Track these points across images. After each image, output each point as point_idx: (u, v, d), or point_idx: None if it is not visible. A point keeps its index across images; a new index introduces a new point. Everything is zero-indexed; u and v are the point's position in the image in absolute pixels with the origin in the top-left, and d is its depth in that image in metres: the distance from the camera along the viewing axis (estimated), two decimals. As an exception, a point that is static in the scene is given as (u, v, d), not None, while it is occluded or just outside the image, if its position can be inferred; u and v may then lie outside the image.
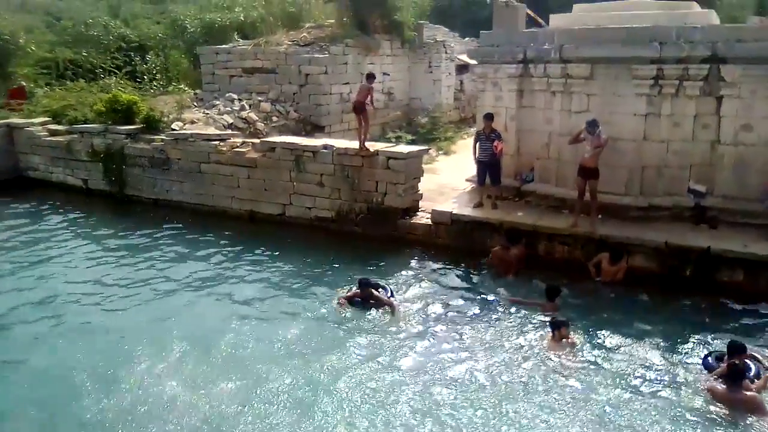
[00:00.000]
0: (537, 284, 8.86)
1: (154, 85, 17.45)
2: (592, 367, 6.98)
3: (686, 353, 7.24)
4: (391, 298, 8.45)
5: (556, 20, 11.60)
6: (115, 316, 8.52)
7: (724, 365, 6.48)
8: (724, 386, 6.25)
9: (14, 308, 8.69)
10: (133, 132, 13.83)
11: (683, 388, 6.55)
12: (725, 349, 6.77)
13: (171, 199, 13.41)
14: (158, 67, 18.93)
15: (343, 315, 8.25)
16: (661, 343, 7.42)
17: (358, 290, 8.45)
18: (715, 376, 6.51)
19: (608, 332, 7.68)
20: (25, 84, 17.95)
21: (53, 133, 15.07)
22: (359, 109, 11.29)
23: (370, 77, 11.55)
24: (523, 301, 8.47)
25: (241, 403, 6.37)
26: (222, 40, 18.15)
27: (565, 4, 13.00)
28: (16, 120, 15.77)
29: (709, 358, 6.84)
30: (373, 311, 8.25)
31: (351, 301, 8.45)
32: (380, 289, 8.58)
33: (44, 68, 19.79)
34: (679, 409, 6.19)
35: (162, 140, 13.36)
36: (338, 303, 8.48)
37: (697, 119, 9.66)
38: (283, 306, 8.68)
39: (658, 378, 6.76)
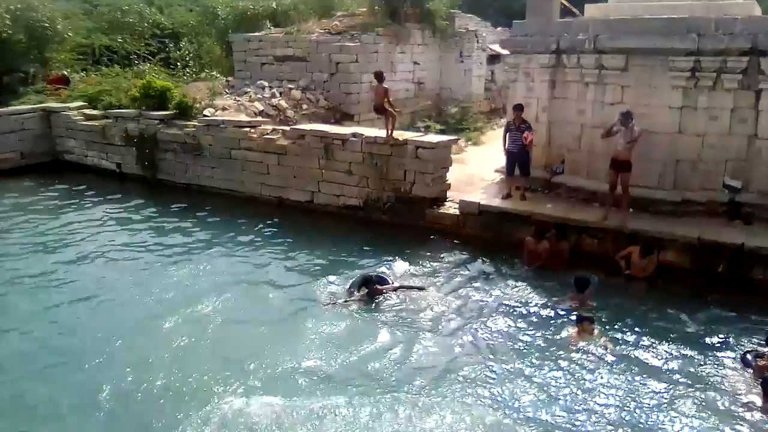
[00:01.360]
0: (565, 276, 8.76)
1: (187, 72, 17.64)
2: (614, 363, 6.88)
3: (715, 352, 7.09)
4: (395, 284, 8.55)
5: (592, 10, 11.41)
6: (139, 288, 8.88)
7: (763, 362, 6.37)
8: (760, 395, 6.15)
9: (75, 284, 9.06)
10: (166, 118, 14.04)
11: (711, 388, 6.43)
12: (765, 348, 6.66)
13: (202, 185, 13.60)
14: (191, 54, 19.14)
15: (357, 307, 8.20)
16: (690, 341, 7.30)
17: (364, 293, 8.32)
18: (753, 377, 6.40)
19: (635, 328, 7.58)
20: (66, 73, 18.31)
21: (89, 117, 15.39)
22: (379, 110, 11.34)
23: (380, 77, 11.42)
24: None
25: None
26: (254, 28, 18.25)
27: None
28: (53, 104, 16.14)
29: (748, 356, 6.70)
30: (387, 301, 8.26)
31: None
32: (383, 283, 8.55)
33: (81, 54, 20.16)
34: (707, 411, 6.07)
35: (194, 126, 13.54)
36: (333, 304, 8.28)
37: (735, 113, 9.46)
38: (300, 288, 8.82)
39: (683, 377, 6.63)
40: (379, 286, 8.40)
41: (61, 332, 7.68)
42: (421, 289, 8.62)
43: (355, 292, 8.42)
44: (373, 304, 8.21)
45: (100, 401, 6.24)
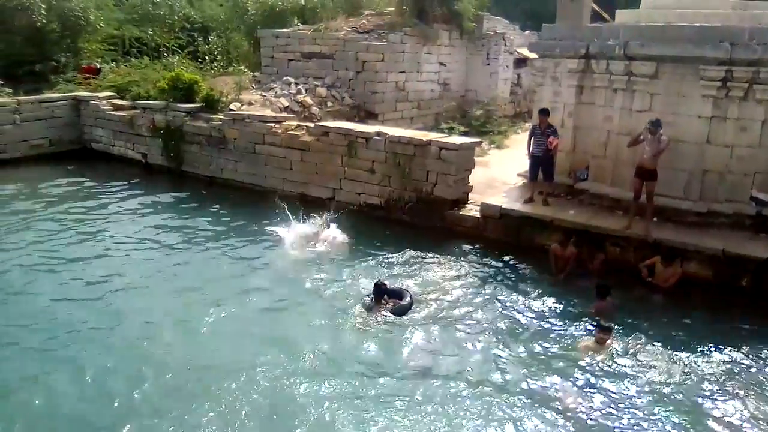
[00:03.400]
0: (585, 284, 8.68)
1: (215, 66, 17.84)
2: (628, 375, 6.79)
3: (734, 366, 6.97)
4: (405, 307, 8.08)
5: (623, 16, 11.31)
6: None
7: None
8: None
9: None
10: (192, 110, 14.19)
11: (734, 403, 6.34)
12: None
13: (226, 178, 13.73)
14: (219, 49, 19.33)
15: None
16: (708, 354, 7.18)
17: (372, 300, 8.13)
18: None
19: (653, 338, 7.45)
20: (99, 65, 18.59)
21: (117, 107, 15.61)
22: None
23: None
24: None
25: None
26: (282, 24, 18.39)
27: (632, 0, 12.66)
28: (83, 93, 16.41)
29: None
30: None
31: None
32: (395, 296, 8.17)
33: (111, 45, 20.44)
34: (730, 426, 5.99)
35: (220, 120, 13.67)
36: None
37: (765, 125, 9.29)
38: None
39: (700, 390, 6.52)
40: (382, 300, 8.03)
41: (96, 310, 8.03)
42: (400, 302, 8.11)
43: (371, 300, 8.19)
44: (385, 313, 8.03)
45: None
